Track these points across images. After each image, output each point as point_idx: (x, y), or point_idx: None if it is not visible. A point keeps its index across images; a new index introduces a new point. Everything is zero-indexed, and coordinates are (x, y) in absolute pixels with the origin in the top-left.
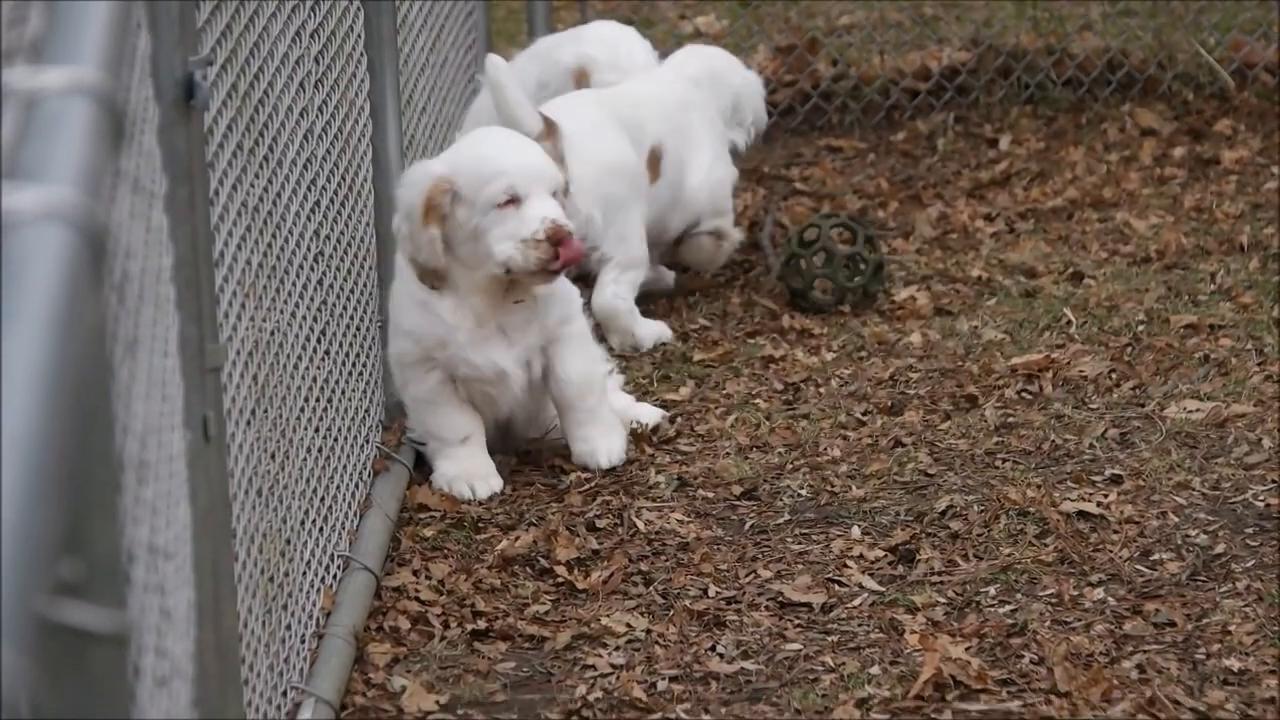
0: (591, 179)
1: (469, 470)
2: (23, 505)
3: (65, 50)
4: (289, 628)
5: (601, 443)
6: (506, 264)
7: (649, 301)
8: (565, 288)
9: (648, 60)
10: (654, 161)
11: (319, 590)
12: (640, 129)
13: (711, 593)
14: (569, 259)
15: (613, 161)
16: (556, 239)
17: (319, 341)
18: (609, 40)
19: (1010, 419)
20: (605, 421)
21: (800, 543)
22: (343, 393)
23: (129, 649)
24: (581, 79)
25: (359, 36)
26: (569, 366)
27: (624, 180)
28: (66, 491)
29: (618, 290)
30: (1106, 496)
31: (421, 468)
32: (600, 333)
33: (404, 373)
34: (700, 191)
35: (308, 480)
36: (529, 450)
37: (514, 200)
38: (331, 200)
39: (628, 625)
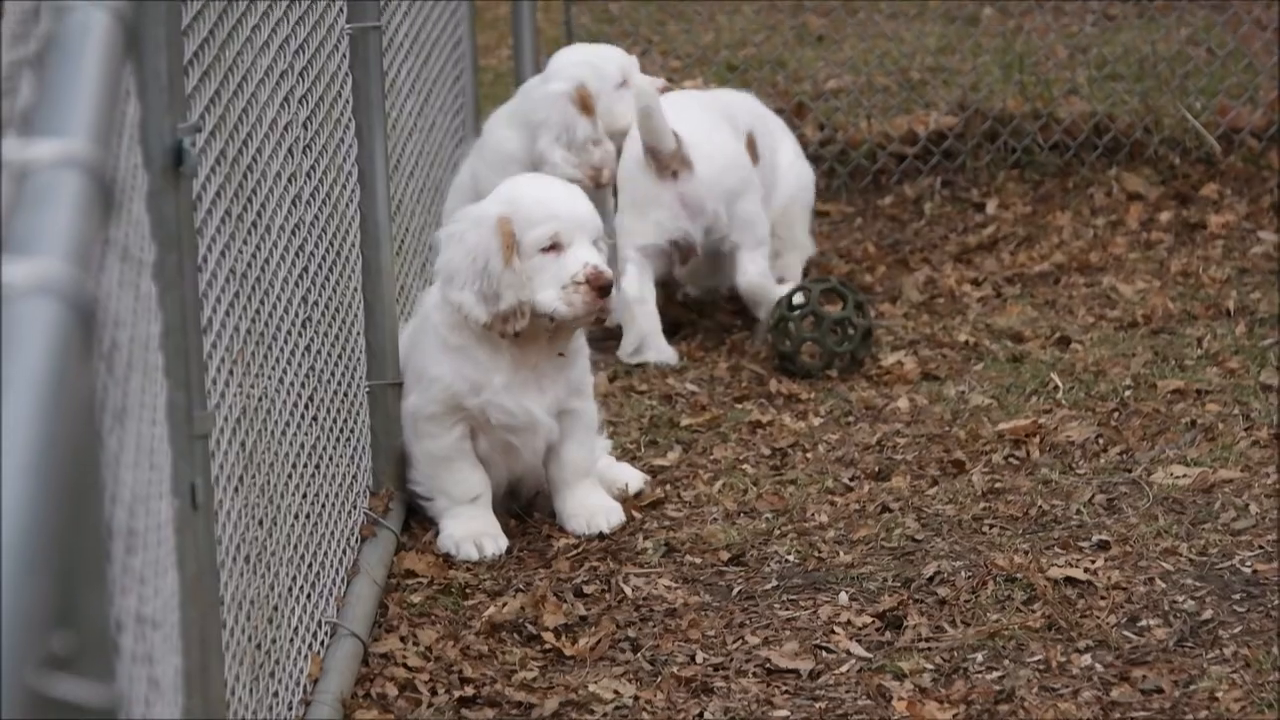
0: (713, 176)
1: (476, 531)
2: (17, 579)
3: (56, 122)
4: (276, 695)
5: (599, 509)
6: (552, 314)
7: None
8: (585, 357)
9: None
10: (750, 146)
11: (306, 657)
12: (734, 120)
13: (699, 659)
14: (607, 306)
15: (727, 156)
16: (598, 284)
17: (307, 407)
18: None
19: (997, 484)
20: (595, 491)
21: (788, 609)
22: (330, 459)
23: None
24: (586, 100)
25: (347, 101)
26: (573, 451)
27: (739, 171)
28: (58, 564)
29: (758, 268)
30: (1094, 562)
31: (410, 531)
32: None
33: (421, 426)
34: (791, 171)
35: (295, 547)
36: (517, 515)
37: (556, 246)
38: (320, 266)
39: (615, 692)
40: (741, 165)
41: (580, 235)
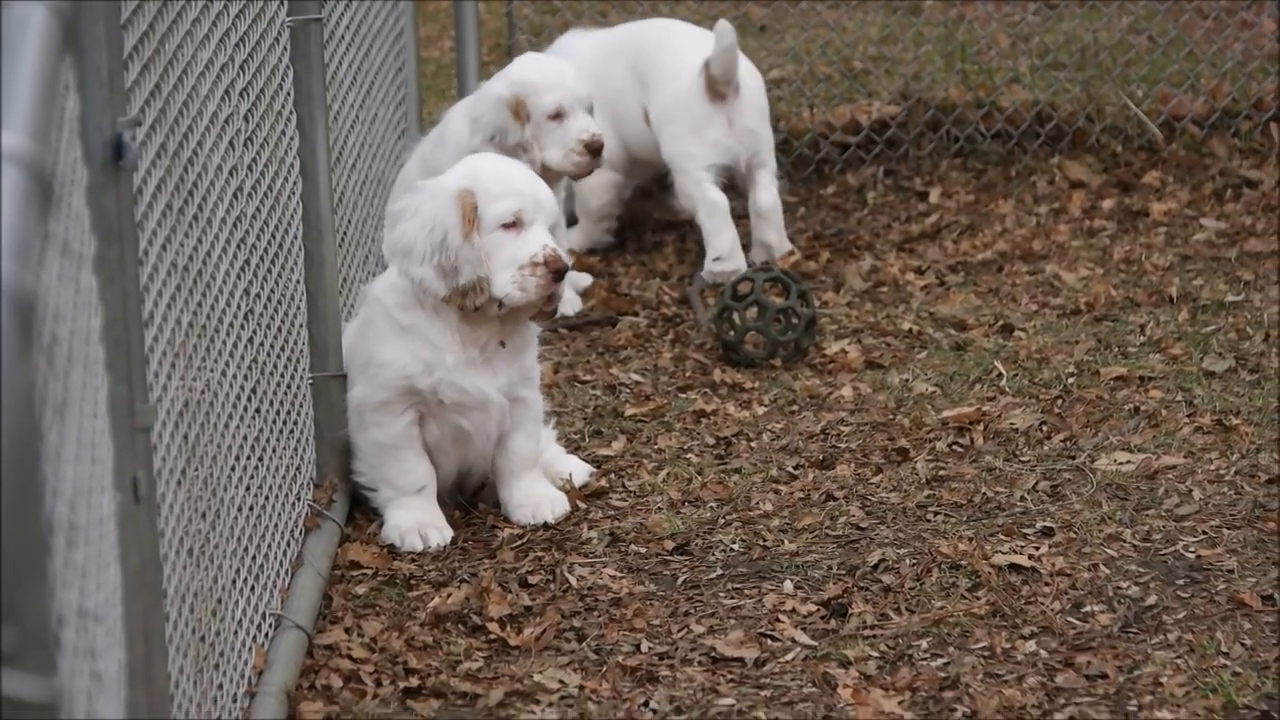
0: (754, 98)
1: (421, 521)
2: None
3: None
4: (221, 687)
5: (544, 499)
6: (502, 299)
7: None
8: (535, 346)
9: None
10: None
11: (251, 649)
12: None
13: (644, 648)
14: (558, 292)
15: (759, 80)
16: (555, 266)
17: (250, 400)
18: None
19: (941, 472)
20: (540, 481)
21: (732, 597)
22: (274, 450)
23: (60, 715)
24: (520, 109)
25: (288, 94)
26: (520, 441)
27: (764, 94)
28: None
29: (776, 190)
30: (1038, 549)
31: (354, 523)
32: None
33: (369, 415)
34: None
35: (239, 539)
36: (461, 505)
37: (518, 224)
38: (262, 258)
39: (560, 682)
40: (764, 89)
41: (540, 216)
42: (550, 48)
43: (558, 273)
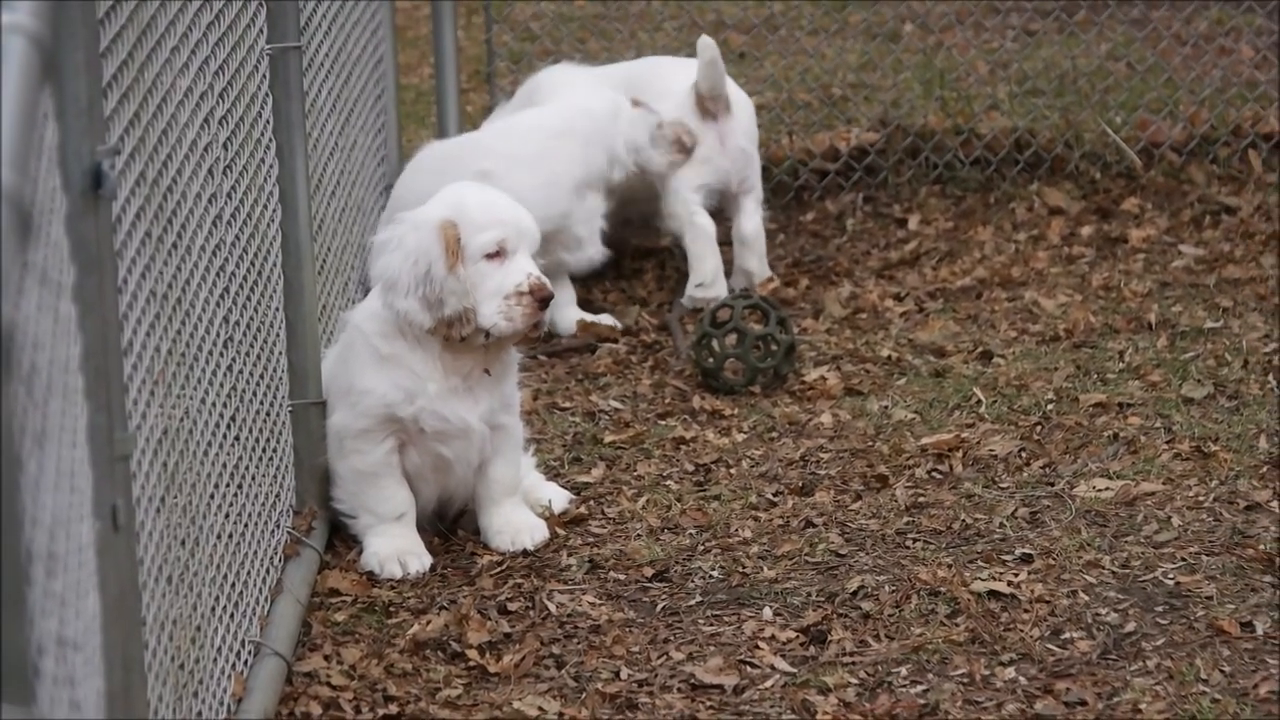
0: (743, 118)
1: (401, 549)
2: None
3: None
4: (200, 715)
5: (523, 525)
6: (489, 329)
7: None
8: (515, 373)
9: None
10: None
11: (230, 677)
12: None
13: (623, 675)
14: (543, 319)
15: (749, 102)
16: (541, 295)
17: (229, 427)
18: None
19: (921, 499)
20: (520, 508)
21: (712, 624)
22: (253, 478)
23: None
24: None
25: (267, 122)
26: (500, 469)
27: (753, 117)
28: None
29: (760, 218)
30: (1017, 575)
31: (333, 550)
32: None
33: (349, 443)
34: None
35: (218, 567)
36: (440, 532)
37: (501, 253)
38: (241, 286)
39: (540, 709)
40: (754, 114)
41: (523, 245)
42: (537, 77)
43: (543, 301)
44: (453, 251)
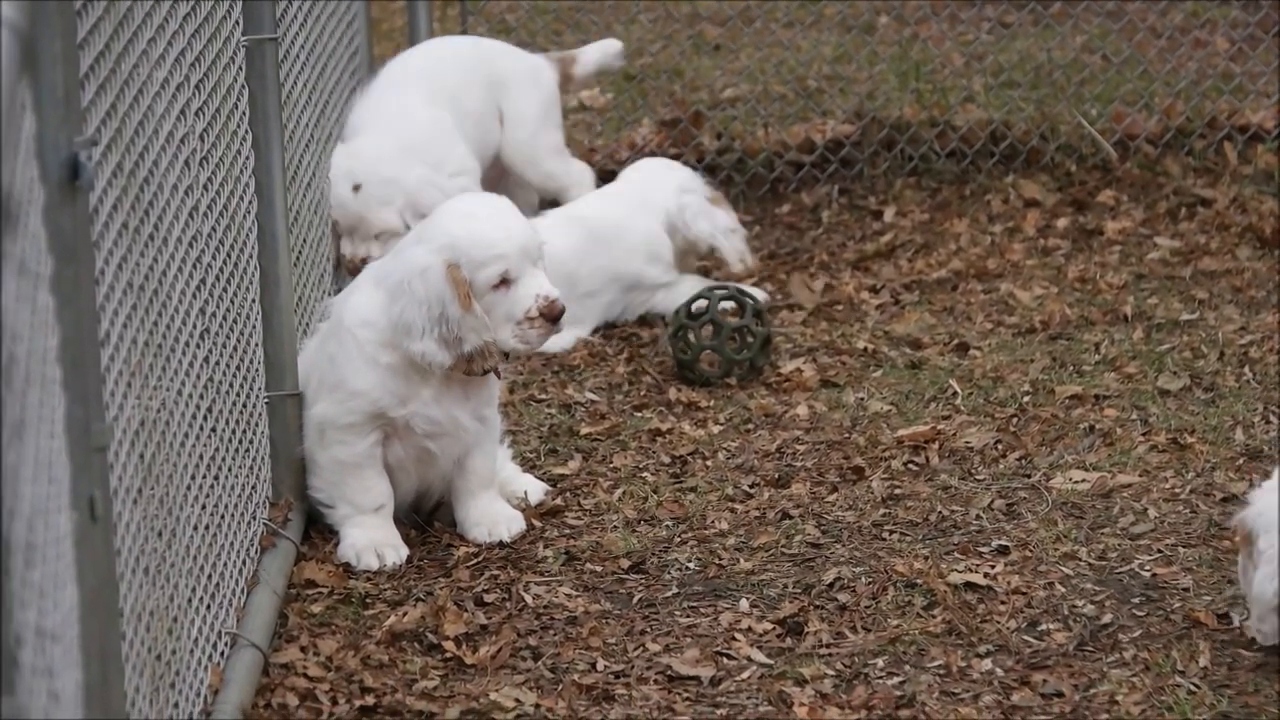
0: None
1: (378, 540)
2: None
3: None
4: (177, 706)
5: (500, 517)
6: (508, 353)
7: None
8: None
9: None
10: None
11: (207, 668)
12: None
13: (600, 667)
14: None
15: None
16: (551, 314)
17: (206, 419)
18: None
19: (897, 490)
20: (496, 500)
21: (688, 616)
22: (230, 470)
23: None
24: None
25: (244, 113)
26: (478, 461)
27: None
28: None
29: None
30: (993, 567)
31: (310, 541)
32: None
33: (332, 434)
34: None
35: (195, 558)
36: (417, 524)
37: (506, 282)
38: (217, 277)
39: (516, 700)
40: None
41: (526, 264)
42: None
43: (554, 319)
44: (464, 292)
